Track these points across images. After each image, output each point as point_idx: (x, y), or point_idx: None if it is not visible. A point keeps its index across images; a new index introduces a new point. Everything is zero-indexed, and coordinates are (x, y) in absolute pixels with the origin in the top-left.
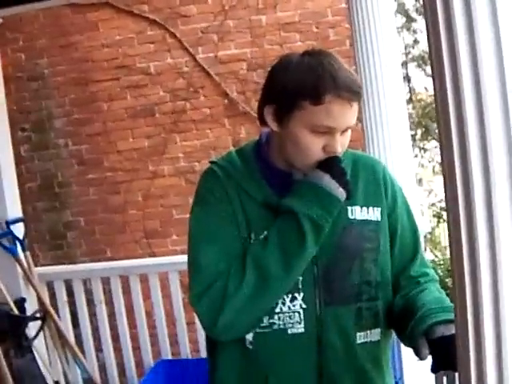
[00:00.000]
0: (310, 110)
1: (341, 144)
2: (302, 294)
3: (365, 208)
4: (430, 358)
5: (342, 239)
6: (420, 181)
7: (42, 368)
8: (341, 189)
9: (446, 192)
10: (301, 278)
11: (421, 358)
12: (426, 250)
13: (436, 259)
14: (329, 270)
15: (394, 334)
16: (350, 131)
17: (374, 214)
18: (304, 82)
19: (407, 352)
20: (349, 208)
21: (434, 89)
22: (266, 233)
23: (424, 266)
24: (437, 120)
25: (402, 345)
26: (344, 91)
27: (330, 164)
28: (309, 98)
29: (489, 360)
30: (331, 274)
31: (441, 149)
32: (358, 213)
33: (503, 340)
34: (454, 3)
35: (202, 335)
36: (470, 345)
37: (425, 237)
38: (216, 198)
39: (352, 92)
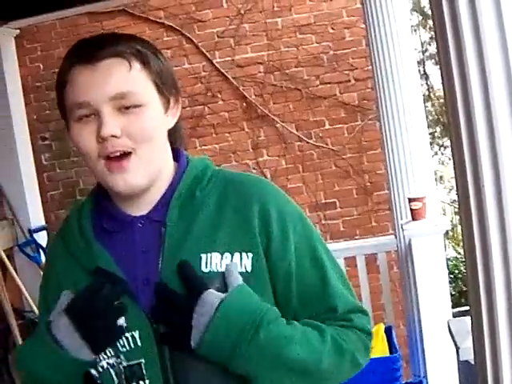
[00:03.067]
0: (65, 99)
1: (127, 130)
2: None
3: (228, 255)
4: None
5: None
6: (441, 178)
7: None
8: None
9: (458, 193)
10: (143, 361)
11: None
12: (447, 247)
13: (459, 256)
14: (178, 350)
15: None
16: (145, 111)
17: (241, 262)
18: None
19: (431, 348)
20: (203, 256)
21: (444, 91)
22: None
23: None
24: (447, 119)
25: (425, 341)
26: (80, 53)
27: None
28: (59, 88)
29: (504, 355)
30: (181, 355)
31: (452, 151)
32: (216, 262)
33: None
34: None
35: None
36: (485, 339)
37: (446, 233)
38: (47, 288)
39: (90, 48)
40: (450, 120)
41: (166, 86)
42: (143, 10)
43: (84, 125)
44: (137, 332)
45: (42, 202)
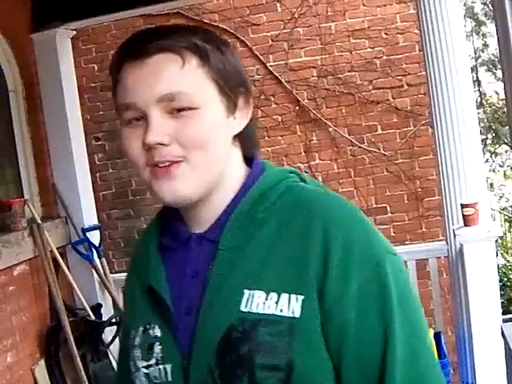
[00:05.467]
0: (117, 99)
1: (178, 137)
2: None
3: (274, 295)
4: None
5: (221, 347)
6: (491, 185)
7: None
8: None
9: None
10: None
11: None
12: (497, 254)
13: (508, 264)
14: None
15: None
16: (201, 114)
17: (288, 305)
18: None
19: (481, 354)
20: (246, 293)
21: (505, 92)
22: (141, 328)
23: None
24: (508, 124)
25: (475, 347)
26: (129, 47)
27: None
28: (113, 87)
29: None
30: None
31: None
32: (258, 302)
33: None
34: None
35: None
36: None
37: (496, 241)
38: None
39: (140, 42)
40: (510, 123)
41: (231, 86)
42: (197, 12)
43: (132, 129)
44: (169, 366)
45: (95, 201)
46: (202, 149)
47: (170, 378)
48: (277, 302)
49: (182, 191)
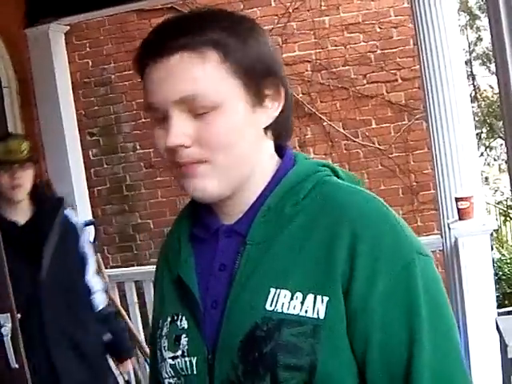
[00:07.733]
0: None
1: (199, 138)
2: None
3: (299, 295)
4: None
5: (245, 344)
6: (486, 179)
7: (112, 367)
8: None
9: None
10: None
11: None
12: (492, 248)
13: (503, 258)
14: None
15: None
16: (221, 113)
17: (314, 306)
18: None
19: (476, 349)
20: (272, 291)
21: (499, 86)
22: (168, 319)
23: None
24: (502, 118)
25: (470, 341)
26: (151, 47)
27: None
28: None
29: None
30: None
31: (506, 147)
32: (284, 302)
33: None
34: None
35: None
36: None
37: (491, 235)
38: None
39: (159, 39)
40: (504, 117)
41: (256, 77)
42: (192, 7)
43: (159, 127)
44: (194, 359)
45: (89, 197)
46: (224, 150)
47: (195, 371)
48: (302, 303)
49: (205, 189)
